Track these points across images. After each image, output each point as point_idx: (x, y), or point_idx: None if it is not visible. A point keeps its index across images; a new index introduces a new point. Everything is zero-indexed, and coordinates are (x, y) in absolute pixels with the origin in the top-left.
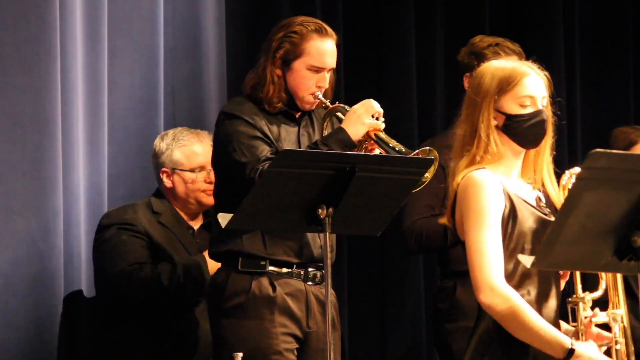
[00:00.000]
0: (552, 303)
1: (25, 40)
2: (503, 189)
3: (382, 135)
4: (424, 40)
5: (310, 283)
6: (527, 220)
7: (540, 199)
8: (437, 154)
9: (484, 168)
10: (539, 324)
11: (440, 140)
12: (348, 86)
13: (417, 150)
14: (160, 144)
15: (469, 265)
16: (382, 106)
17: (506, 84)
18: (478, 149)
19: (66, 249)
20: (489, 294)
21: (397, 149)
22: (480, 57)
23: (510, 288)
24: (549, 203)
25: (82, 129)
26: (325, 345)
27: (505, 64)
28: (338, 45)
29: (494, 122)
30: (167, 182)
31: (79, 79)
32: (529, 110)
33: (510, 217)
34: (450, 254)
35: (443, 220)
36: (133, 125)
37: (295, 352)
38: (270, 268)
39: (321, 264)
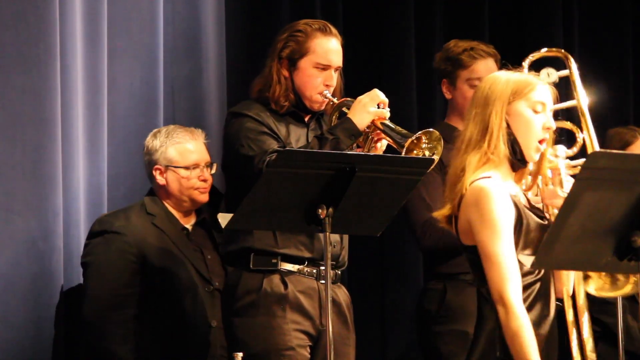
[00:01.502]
0: (551, 310)
1: (25, 40)
2: (511, 198)
3: (388, 122)
4: (424, 40)
5: (323, 282)
6: (532, 228)
7: (529, 201)
8: (438, 134)
9: (489, 177)
10: (531, 353)
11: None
12: (348, 86)
13: (419, 133)
14: (154, 141)
15: (486, 274)
16: None
17: (522, 87)
18: (489, 147)
19: (66, 249)
20: (505, 308)
21: (402, 132)
22: (457, 62)
23: (522, 309)
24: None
25: (82, 129)
26: (340, 345)
27: (519, 72)
28: (343, 46)
29: (504, 124)
30: (160, 180)
31: (79, 79)
32: (540, 116)
33: (518, 226)
34: (438, 255)
35: (440, 213)
36: (133, 125)
37: (309, 349)
38: (282, 266)
39: (334, 262)
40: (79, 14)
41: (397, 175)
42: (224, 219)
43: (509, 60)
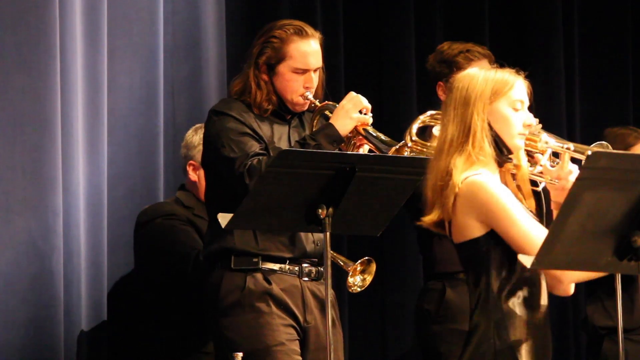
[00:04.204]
0: (543, 302)
1: (25, 40)
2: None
3: (370, 129)
4: (424, 40)
5: (305, 279)
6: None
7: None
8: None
9: (480, 174)
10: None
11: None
12: (348, 85)
13: (402, 142)
14: (194, 137)
15: (522, 249)
16: (382, 106)
17: (502, 87)
18: (474, 148)
19: (66, 249)
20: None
21: (384, 140)
22: (452, 64)
23: None
24: None
25: (82, 129)
26: (326, 342)
27: (494, 70)
28: (322, 44)
29: (486, 124)
30: (193, 176)
31: (79, 79)
32: (520, 114)
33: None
34: (436, 255)
35: (429, 219)
36: (133, 125)
37: (298, 343)
38: (263, 265)
39: (315, 260)
40: (79, 14)
41: (397, 175)
42: (224, 219)
43: (509, 60)
